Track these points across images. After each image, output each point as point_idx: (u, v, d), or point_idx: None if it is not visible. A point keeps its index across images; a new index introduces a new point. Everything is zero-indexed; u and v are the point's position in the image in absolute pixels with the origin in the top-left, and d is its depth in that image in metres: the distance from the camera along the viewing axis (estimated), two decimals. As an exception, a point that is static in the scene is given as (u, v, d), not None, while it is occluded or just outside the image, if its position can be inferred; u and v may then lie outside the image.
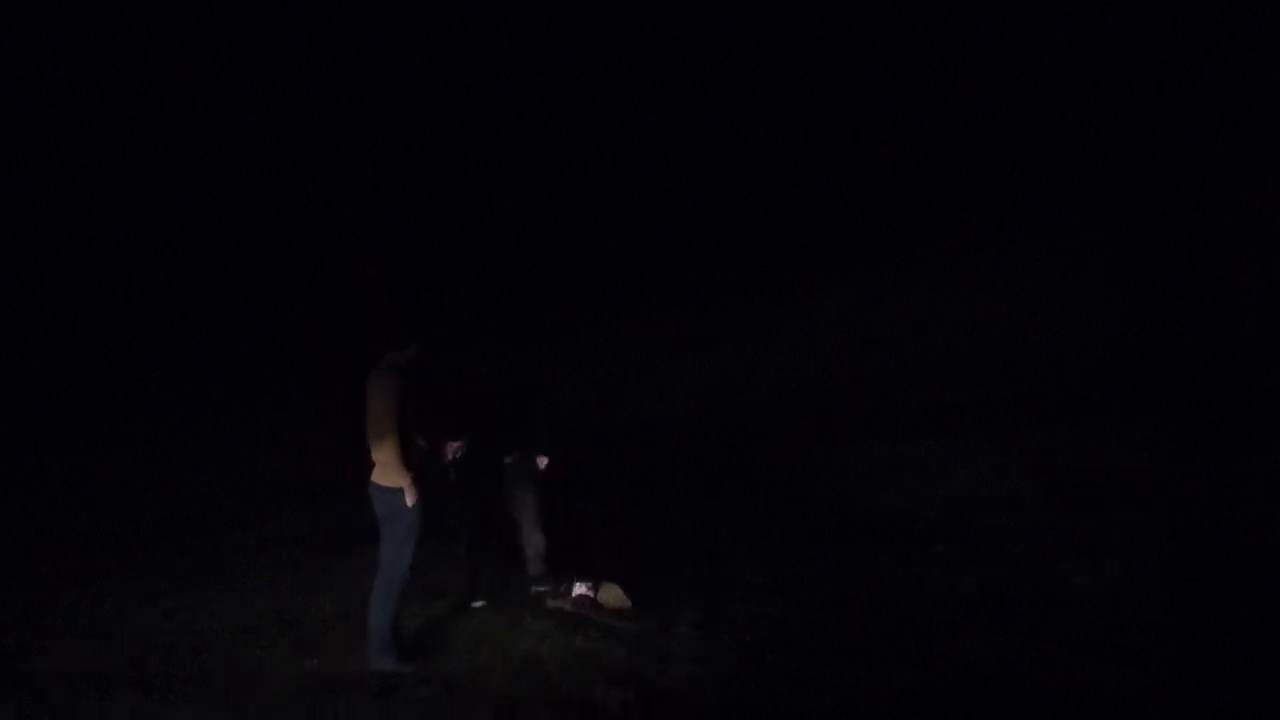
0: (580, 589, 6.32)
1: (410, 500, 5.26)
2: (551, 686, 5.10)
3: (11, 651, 5.95)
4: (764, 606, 6.09)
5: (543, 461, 6.46)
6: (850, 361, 13.07)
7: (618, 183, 18.56)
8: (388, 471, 5.27)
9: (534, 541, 6.41)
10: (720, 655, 5.44)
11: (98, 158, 17.33)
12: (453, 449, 5.94)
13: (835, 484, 8.78)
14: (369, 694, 5.10)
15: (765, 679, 5.08)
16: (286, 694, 5.12)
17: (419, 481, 5.32)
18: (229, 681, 5.35)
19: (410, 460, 5.29)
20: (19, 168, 16.58)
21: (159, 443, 12.74)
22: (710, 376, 13.72)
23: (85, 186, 17.14)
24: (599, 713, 4.77)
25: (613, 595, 6.26)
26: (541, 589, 6.40)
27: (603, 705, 4.85)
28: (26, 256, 16.22)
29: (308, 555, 7.94)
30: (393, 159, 18.82)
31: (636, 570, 6.61)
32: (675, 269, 16.93)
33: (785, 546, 7.22)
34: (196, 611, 6.61)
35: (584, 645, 5.62)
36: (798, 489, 8.76)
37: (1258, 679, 4.66)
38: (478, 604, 6.40)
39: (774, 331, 14.98)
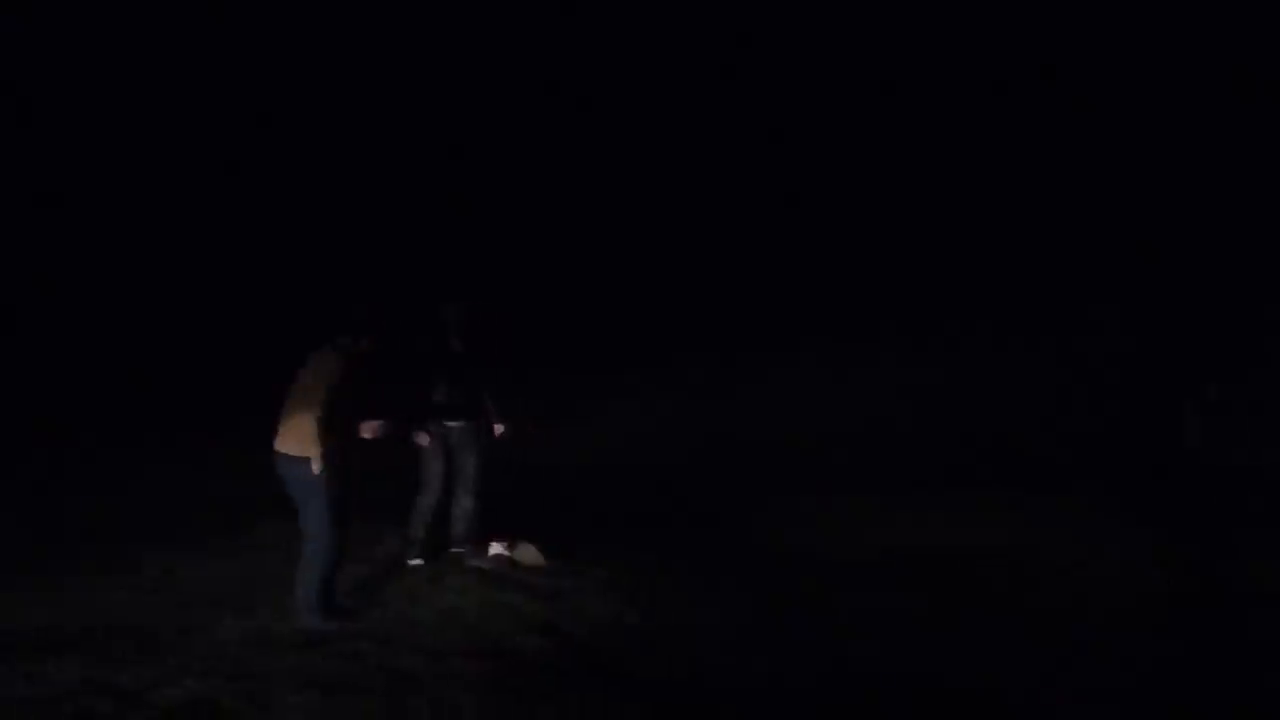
0: (497, 548, 6.69)
1: (316, 469, 5.42)
2: (474, 637, 5.46)
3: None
4: (672, 574, 6.56)
5: (499, 429, 6.80)
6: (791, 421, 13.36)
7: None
8: (295, 439, 5.45)
9: (464, 504, 6.74)
10: (628, 608, 5.90)
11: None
12: (370, 428, 5.85)
13: (766, 522, 8.83)
14: (296, 647, 5.39)
15: (669, 630, 5.56)
16: (219, 650, 5.37)
17: (326, 454, 5.45)
18: (169, 641, 5.56)
19: (323, 432, 5.43)
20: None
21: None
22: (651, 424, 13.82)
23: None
24: (518, 659, 5.16)
25: (528, 554, 6.67)
26: (460, 550, 6.74)
27: (521, 652, 5.24)
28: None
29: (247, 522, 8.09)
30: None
31: (553, 532, 7.03)
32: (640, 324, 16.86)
33: (701, 543, 7.67)
34: (142, 579, 6.79)
35: (503, 599, 6.01)
36: (726, 519, 8.92)
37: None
38: (415, 562, 6.69)
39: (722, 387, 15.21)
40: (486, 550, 6.71)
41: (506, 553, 6.69)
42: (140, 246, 16.67)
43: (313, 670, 5.03)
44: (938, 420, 12.90)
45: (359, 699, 4.67)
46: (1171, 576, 6.71)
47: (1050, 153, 17.74)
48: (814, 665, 5.21)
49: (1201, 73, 16.67)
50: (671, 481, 10.28)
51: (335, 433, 5.51)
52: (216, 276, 16.62)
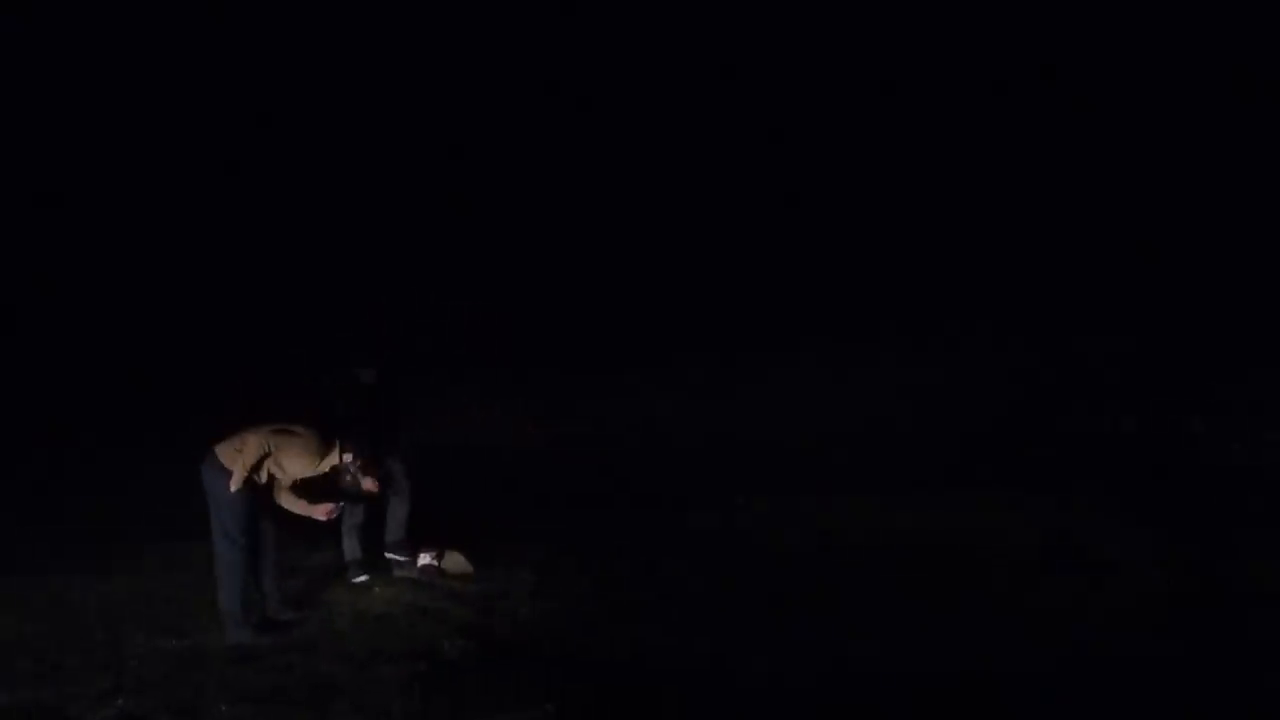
0: (425, 559, 6.88)
1: (234, 487, 5.61)
2: (402, 642, 5.64)
3: None
4: (594, 581, 6.79)
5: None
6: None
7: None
8: (229, 454, 5.66)
9: (398, 512, 6.91)
10: (552, 614, 6.14)
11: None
12: (325, 511, 6.04)
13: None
14: (228, 661, 5.52)
15: (592, 633, 5.81)
16: (151, 667, 5.48)
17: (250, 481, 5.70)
18: (102, 658, 5.65)
19: (250, 462, 5.65)
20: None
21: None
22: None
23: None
24: (445, 661, 5.35)
25: (455, 562, 6.87)
26: (396, 557, 6.91)
27: (448, 655, 5.43)
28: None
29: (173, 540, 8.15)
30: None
31: (479, 541, 7.21)
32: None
33: (630, 540, 7.87)
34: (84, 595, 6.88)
35: (431, 605, 6.20)
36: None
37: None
38: (360, 578, 6.83)
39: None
40: (416, 560, 6.88)
41: (435, 562, 6.86)
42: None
43: (243, 684, 5.17)
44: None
45: (290, 710, 4.83)
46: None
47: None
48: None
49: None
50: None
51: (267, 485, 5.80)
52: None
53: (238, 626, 5.78)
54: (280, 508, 5.95)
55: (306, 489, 6.01)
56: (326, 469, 6.00)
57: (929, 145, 18.69)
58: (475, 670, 5.24)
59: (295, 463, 5.80)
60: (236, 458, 5.65)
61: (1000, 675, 5.16)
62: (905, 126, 18.97)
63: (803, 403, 14.05)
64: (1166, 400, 11.61)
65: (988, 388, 13.98)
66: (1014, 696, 4.93)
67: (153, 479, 10.79)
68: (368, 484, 6.23)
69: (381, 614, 6.15)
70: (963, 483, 9.83)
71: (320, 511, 5.95)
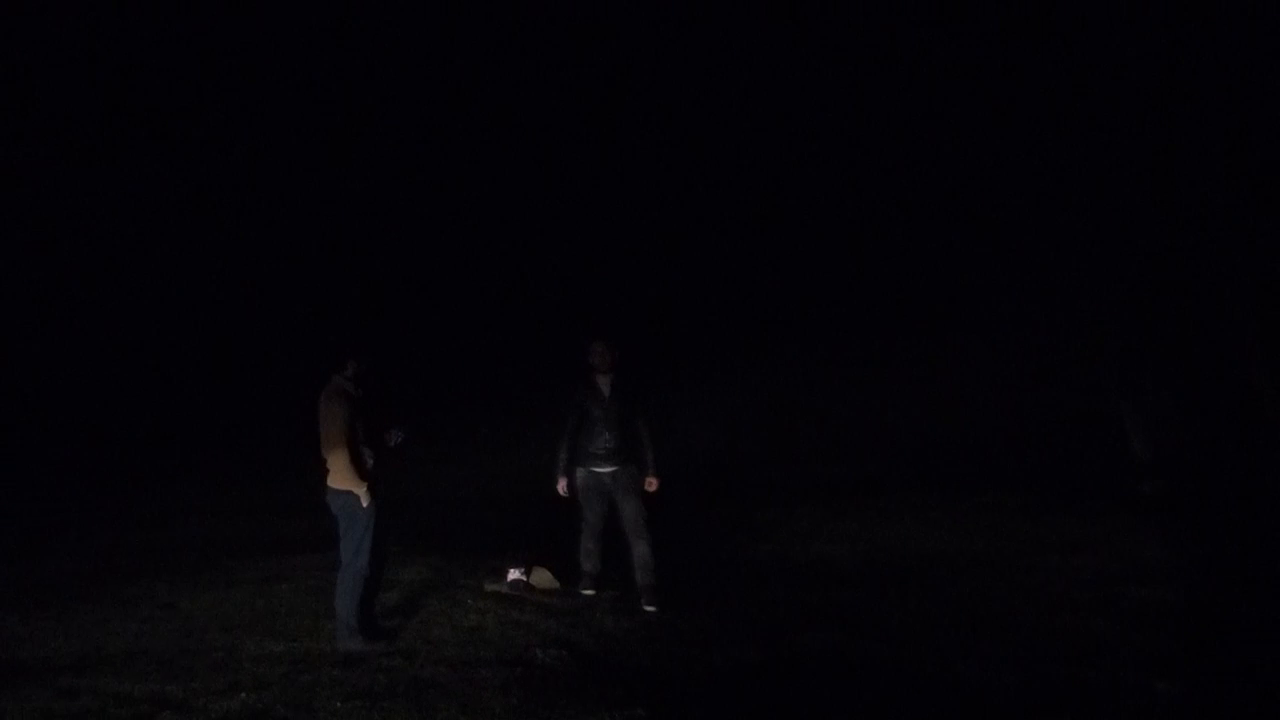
0: (515, 574, 7.19)
1: (365, 502, 6.05)
2: (495, 650, 5.96)
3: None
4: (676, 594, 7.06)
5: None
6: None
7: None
8: (340, 477, 6.07)
9: (640, 551, 7.01)
10: (635, 628, 6.44)
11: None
12: (391, 437, 6.44)
13: (761, 532, 9.50)
14: (335, 665, 5.88)
15: (677, 645, 6.08)
16: (266, 668, 5.87)
17: (371, 487, 6.08)
18: (218, 659, 6.07)
19: (361, 469, 6.08)
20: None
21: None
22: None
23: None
24: (536, 668, 5.65)
25: (543, 578, 7.16)
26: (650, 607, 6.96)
27: (541, 661, 5.73)
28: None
29: (284, 557, 8.65)
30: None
31: (564, 557, 7.53)
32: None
33: (701, 558, 8.15)
34: (196, 605, 7.34)
35: (521, 618, 6.52)
36: (722, 532, 9.52)
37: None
38: (588, 592, 7.08)
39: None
40: (506, 576, 7.20)
41: (524, 577, 7.18)
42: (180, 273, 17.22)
43: (353, 683, 5.53)
44: (938, 430, 13.30)
45: (399, 706, 5.17)
46: (1172, 581, 7.07)
47: (1045, 168, 18.11)
48: (821, 665, 5.68)
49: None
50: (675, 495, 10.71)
51: (370, 462, 6.10)
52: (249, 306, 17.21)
53: (351, 634, 6.14)
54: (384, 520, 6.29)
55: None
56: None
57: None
58: (568, 676, 5.54)
59: (350, 422, 6.05)
60: (346, 476, 6.04)
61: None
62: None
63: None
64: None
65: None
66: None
67: (241, 498, 11.41)
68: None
69: (475, 625, 6.50)
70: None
71: (391, 439, 6.31)
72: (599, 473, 6.95)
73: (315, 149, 19.26)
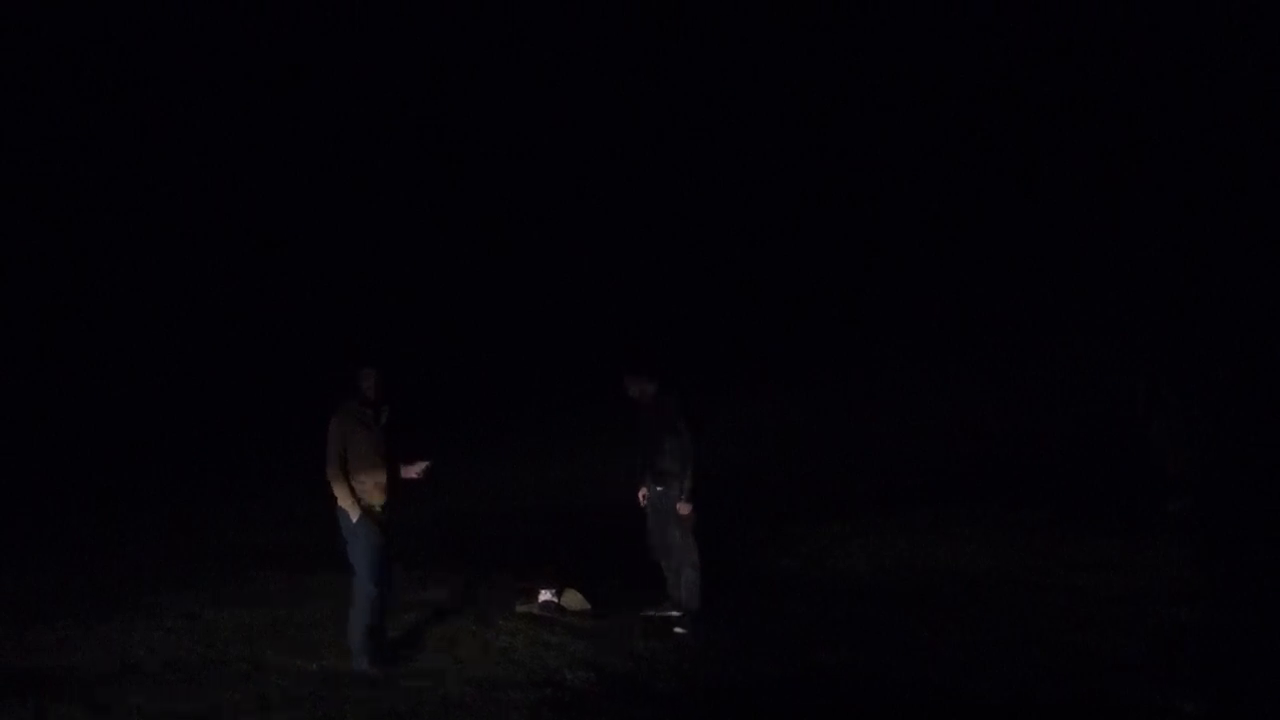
0: (546, 595, 7.24)
1: (354, 517, 6.06)
2: (525, 673, 6.03)
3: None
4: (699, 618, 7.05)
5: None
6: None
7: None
8: (337, 494, 6.13)
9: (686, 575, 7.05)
10: (667, 649, 6.47)
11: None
12: (417, 468, 6.44)
13: (782, 547, 9.50)
14: (362, 685, 5.97)
15: (705, 665, 6.14)
16: (294, 685, 5.98)
17: (360, 506, 6.09)
18: (244, 673, 6.17)
19: (349, 487, 6.09)
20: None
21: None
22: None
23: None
24: (568, 688, 5.72)
25: (575, 599, 7.21)
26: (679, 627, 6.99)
27: (570, 684, 5.80)
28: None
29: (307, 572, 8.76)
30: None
31: (595, 578, 7.61)
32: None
33: (723, 574, 8.16)
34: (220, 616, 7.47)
35: (551, 639, 6.58)
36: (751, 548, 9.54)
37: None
38: (680, 630, 6.90)
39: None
40: (537, 597, 7.25)
41: (555, 599, 7.22)
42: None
43: (381, 704, 5.59)
44: (962, 445, 13.32)
45: (428, 726, 5.26)
46: (1199, 600, 7.08)
47: (1052, 181, 18.15)
48: (842, 682, 5.75)
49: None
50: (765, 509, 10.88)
51: (367, 484, 6.14)
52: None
53: (359, 654, 6.19)
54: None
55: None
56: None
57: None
58: (596, 698, 5.59)
59: (343, 443, 6.11)
60: (340, 494, 6.11)
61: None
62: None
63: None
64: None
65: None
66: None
67: (267, 512, 11.59)
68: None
69: (505, 646, 6.54)
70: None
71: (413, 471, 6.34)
72: (656, 490, 7.11)
73: (344, 163, 19.52)
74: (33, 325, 16.85)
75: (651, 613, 7.13)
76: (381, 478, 6.20)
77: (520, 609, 7.23)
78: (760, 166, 20.24)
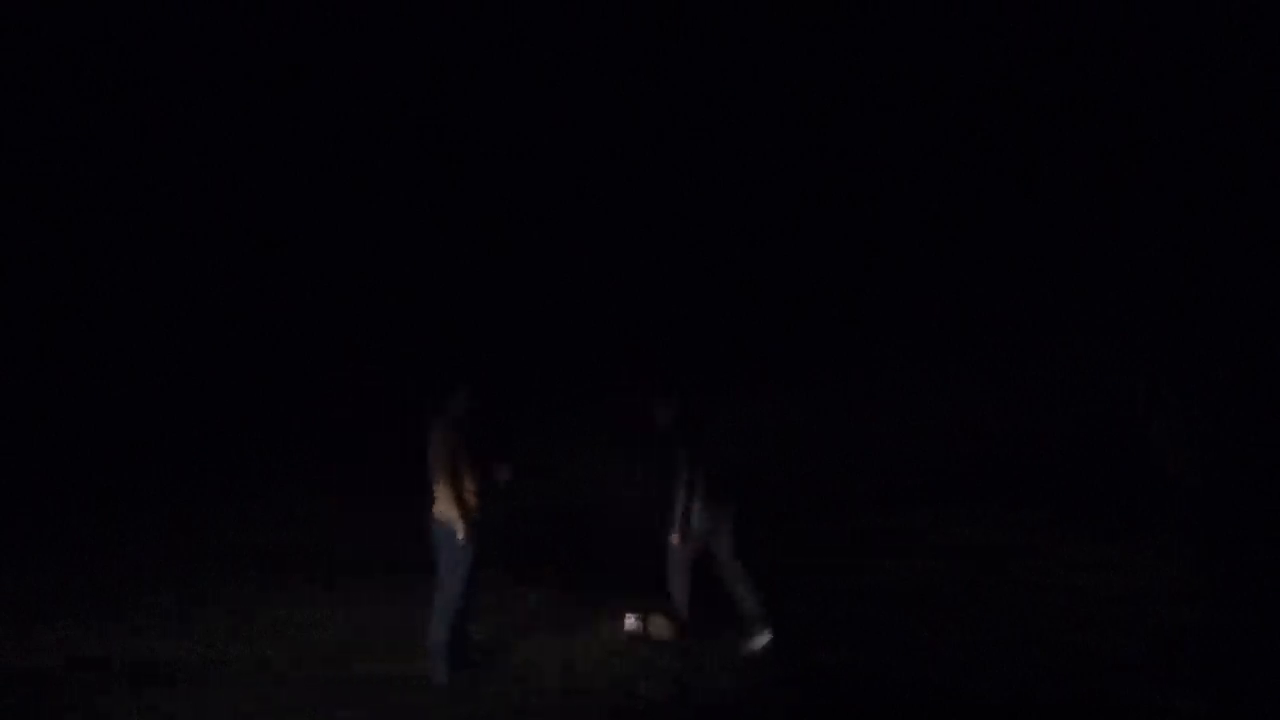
0: (631, 622, 7.00)
1: (461, 535, 6.13)
2: (601, 679, 6.11)
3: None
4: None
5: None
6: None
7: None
8: (444, 508, 6.17)
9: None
10: (752, 675, 6.30)
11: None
12: (500, 474, 6.45)
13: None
14: (442, 690, 6.02)
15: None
16: (372, 688, 5.99)
17: (469, 520, 6.14)
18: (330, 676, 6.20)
19: (463, 502, 6.16)
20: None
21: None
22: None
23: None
24: (641, 697, 5.79)
25: (661, 627, 6.92)
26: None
27: (644, 693, 5.85)
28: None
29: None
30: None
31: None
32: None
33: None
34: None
35: (626, 649, 6.66)
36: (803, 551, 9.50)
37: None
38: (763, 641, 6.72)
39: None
40: (623, 623, 7.01)
41: (640, 626, 6.95)
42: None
43: (456, 709, 5.68)
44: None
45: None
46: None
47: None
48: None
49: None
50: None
51: (471, 496, 6.19)
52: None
53: (439, 661, 6.22)
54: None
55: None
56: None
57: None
58: (668, 708, 5.63)
59: (454, 457, 6.18)
60: (448, 509, 6.13)
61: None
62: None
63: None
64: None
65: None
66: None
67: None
68: None
69: (581, 654, 6.59)
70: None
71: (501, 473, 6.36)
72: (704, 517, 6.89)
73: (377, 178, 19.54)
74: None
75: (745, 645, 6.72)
76: (478, 487, 6.27)
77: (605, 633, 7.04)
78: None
